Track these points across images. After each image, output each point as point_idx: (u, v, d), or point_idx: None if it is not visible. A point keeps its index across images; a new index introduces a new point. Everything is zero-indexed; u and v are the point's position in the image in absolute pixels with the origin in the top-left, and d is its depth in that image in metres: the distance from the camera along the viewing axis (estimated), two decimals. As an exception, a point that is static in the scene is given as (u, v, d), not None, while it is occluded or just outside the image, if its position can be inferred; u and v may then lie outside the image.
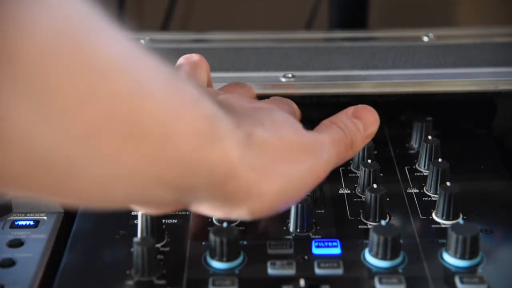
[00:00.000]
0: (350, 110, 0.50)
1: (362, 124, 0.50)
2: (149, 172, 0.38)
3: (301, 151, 0.46)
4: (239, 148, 0.42)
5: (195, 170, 0.40)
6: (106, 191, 0.38)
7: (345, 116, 0.50)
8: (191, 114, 0.40)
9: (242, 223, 0.53)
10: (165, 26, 1.08)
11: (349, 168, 0.61)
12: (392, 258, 0.48)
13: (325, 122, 0.50)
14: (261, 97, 0.55)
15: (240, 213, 0.45)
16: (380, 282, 0.47)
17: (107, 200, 0.40)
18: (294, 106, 0.54)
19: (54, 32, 0.33)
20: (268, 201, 0.44)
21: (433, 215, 0.54)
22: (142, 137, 0.37)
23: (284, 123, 0.47)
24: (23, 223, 0.54)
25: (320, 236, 0.52)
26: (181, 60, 0.55)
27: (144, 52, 0.38)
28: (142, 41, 0.74)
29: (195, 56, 0.55)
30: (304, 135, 0.47)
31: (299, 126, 0.47)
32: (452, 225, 0.49)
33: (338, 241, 0.51)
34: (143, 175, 0.38)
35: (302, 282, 0.47)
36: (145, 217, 0.50)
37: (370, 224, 0.53)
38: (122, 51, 0.36)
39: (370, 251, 0.49)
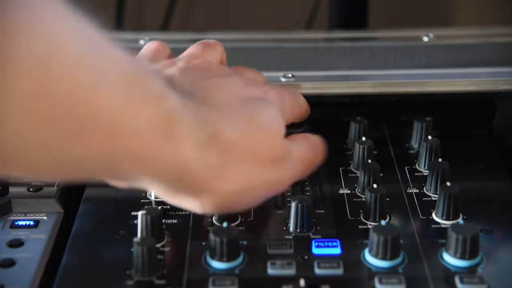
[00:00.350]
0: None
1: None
2: (98, 163, 0.39)
3: (269, 160, 0.47)
4: (197, 147, 0.42)
5: (147, 165, 0.41)
6: (57, 172, 0.40)
7: (316, 137, 0.52)
8: (150, 111, 0.40)
9: (242, 223, 0.53)
10: (165, 26, 1.08)
11: (349, 168, 0.61)
12: (392, 258, 0.48)
13: (299, 135, 0.52)
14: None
15: (192, 205, 0.46)
16: (380, 282, 0.47)
17: (59, 177, 0.44)
18: (300, 99, 0.54)
19: (12, 25, 0.33)
20: (221, 200, 0.45)
21: (433, 215, 0.54)
22: (92, 130, 0.37)
23: (264, 126, 0.47)
24: (23, 223, 0.54)
25: (320, 236, 0.52)
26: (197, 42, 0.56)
27: (107, 45, 0.38)
28: (142, 41, 0.73)
29: (211, 40, 0.56)
30: (277, 145, 0.47)
31: (277, 133, 0.48)
32: (452, 225, 0.49)
33: (338, 241, 0.51)
34: (93, 164, 0.39)
35: (302, 282, 0.47)
36: (145, 217, 0.50)
37: (370, 224, 0.53)
38: (80, 44, 0.36)
39: (370, 251, 0.49)
